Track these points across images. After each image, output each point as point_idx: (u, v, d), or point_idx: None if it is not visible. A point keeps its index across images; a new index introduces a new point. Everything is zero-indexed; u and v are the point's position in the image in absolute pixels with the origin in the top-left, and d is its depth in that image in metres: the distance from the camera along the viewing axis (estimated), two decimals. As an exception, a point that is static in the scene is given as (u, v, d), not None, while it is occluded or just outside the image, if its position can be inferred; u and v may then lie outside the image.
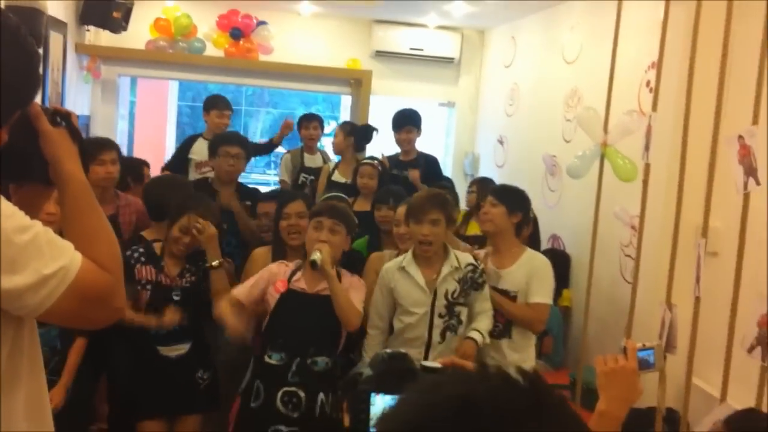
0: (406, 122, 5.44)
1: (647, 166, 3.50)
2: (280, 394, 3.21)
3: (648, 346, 2.05)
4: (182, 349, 3.49)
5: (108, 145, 4.09)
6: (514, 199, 3.74)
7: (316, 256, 3.20)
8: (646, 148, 3.43)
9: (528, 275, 3.61)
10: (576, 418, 0.81)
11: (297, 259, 3.52)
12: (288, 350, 3.24)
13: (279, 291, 3.30)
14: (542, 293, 3.61)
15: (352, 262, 3.70)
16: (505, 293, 3.62)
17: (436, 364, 1.08)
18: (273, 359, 3.26)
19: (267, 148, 6.27)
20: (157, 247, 3.58)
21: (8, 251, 1.27)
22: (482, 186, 5.41)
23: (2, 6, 4.20)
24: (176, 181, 4.26)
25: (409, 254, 3.49)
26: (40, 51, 1.42)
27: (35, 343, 1.47)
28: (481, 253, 3.75)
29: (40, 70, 1.44)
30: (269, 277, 3.36)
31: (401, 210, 3.74)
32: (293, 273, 3.36)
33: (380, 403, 1.01)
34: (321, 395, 3.21)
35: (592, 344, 4.36)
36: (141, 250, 3.54)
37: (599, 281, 4.06)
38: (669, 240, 3.39)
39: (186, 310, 3.48)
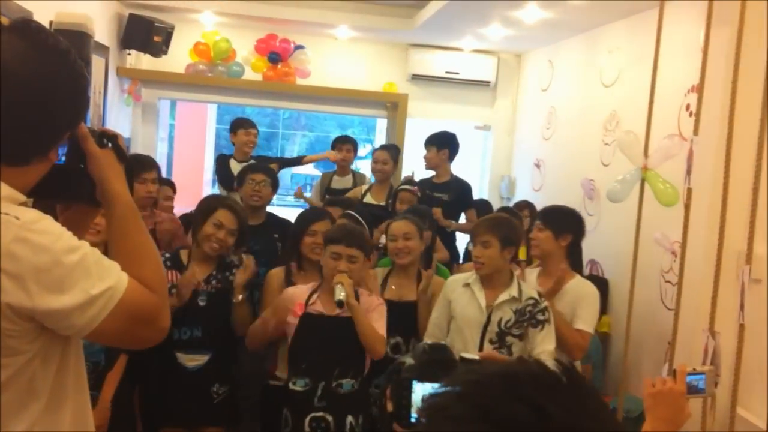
0: (427, 142, 5.57)
1: (689, 191, 3.44)
2: (307, 420, 3.18)
3: (699, 371, 2.02)
4: (201, 360, 3.46)
5: (150, 164, 4.19)
6: (562, 221, 3.69)
7: (341, 295, 3.17)
8: (688, 172, 3.38)
9: (574, 302, 3.55)
10: (605, 405, 0.87)
11: (314, 274, 3.55)
12: (312, 375, 3.23)
13: (297, 315, 3.30)
14: (587, 321, 3.55)
15: None
16: None
17: (475, 356, 1.10)
18: (298, 386, 3.24)
19: (295, 161, 6.51)
20: (183, 254, 3.61)
21: (57, 271, 1.28)
22: (533, 210, 5.40)
23: (51, 28, 4.30)
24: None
25: (476, 273, 3.47)
26: (88, 74, 1.45)
27: (80, 360, 1.49)
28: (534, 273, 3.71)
29: (89, 92, 1.46)
30: (288, 299, 3.38)
31: (395, 225, 3.76)
32: (310, 296, 3.35)
33: (421, 390, 1.06)
34: (350, 418, 3.19)
35: (631, 371, 4.28)
36: (167, 255, 3.59)
37: (639, 307, 3.99)
38: (711, 266, 3.32)
39: (209, 318, 3.48)
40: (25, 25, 1.36)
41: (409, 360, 1.09)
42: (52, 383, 1.38)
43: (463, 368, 0.98)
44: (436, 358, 1.08)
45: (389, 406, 1.07)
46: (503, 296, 3.35)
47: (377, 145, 8.18)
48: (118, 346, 2.80)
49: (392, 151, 5.81)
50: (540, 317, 3.31)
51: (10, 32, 1.34)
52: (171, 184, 4.95)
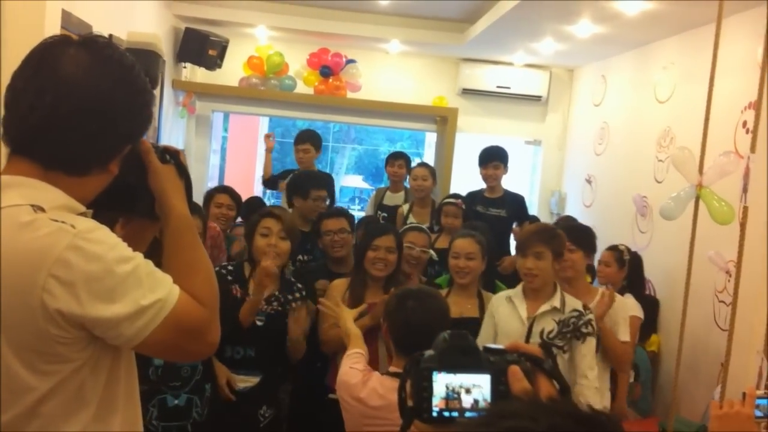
0: (493, 158, 5.41)
1: (745, 209, 3.38)
2: None
3: None
4: (251, 382, 3.41)
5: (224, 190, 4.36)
6: (588, 240, 3.74)
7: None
8: (744, 190, 3.33)
9: (613, 314, 3.56)
10: None
11: (378, 291, 3.55)
12: None
13: None
14: (626, 332, 3.59)
15: None
16: None
17: (500, 346, 1.05)
18: None
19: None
20: (246, 268, 3.53)
21: (109, 281, 1.30)
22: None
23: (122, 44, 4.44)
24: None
25: (519, 287, 3.43)
26: (155, 92, 1.47)
27: (132, 373, 1.49)
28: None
29: (153, 108, 1.49)
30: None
31: (458, 242, 3.71)
32: None
33: (442, 380, 1.00)
34: None
35: (681, 392, 4.20)
36: (230, 268, 3.53)
37: (691, 327, 3.92)
38: (766, 286, 3.25)
39: (265, 339, 3.41)
40: (93, 40, 1.41)
41: (428, 351, 1.04)
42: (101, 393, 1.39)
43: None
44: (457, 345, 1.03)
45: (409, 401, 1.02)
46: (544, 307, 3.30)
47: (426, 159, 8.18)
48: (167, 359, 2.81)
49: (431, 168, 5.77)
50: (584, 330, 3.23)
51: (78, 46, 1.38)
52: (231, 193, 4.95)
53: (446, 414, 0.98)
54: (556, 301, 3.31)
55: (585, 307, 3.34)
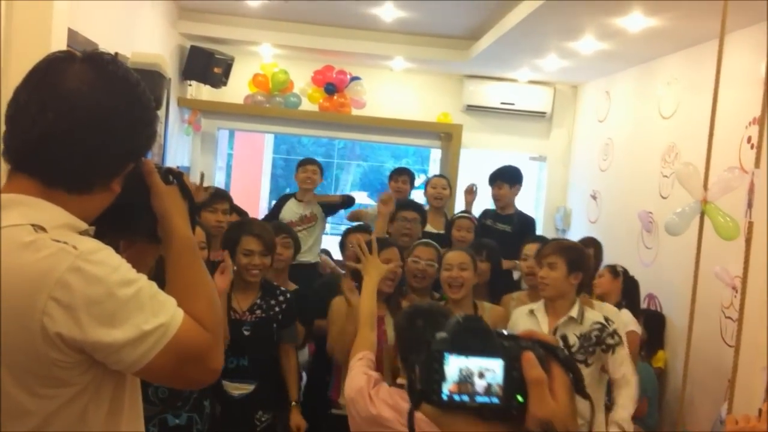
0: (497, 178, 5.50)
1: (750, 224, 3.37)
2: None
3: None
4: (246, 389, 3.45)
5: (222, 195, 4.39)
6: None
7: None
8: (749, 205, 3.32)
9: None
10: None
11: (380, 305, 3.55)
12: None
13: None
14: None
15: None
16: None
17: (513, 332, 1.03)
18: None
19: (342, 205, 6.06)
20: None
21: (110, 304, 1.26)
22: (598, 248, 5.29)
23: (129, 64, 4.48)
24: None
25: (542, 301, 3.43)
26: (159, 113, 1.46)
27: (136, 404, 1.45)
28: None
29: (156, 127, 1.46)
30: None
31: (450, 255, 3.71)
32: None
33: (455, 364, 0.97)
34: None
35: (688, 408, 4.17)
36: None
37: (697, 343, 3.90)
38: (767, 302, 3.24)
39: (255, 348, 3.46)
40: (97, 56, 1.39)
41: (440, 334, 1.01)
42: (104, 422, 1.35)
43: (499, 341, 0.93)
44: (470, 327, 1.00)
45: (418, 384, 0.99)
46: (563, 319, 3.30)
47: (431, 175, 8.18)
48: (169, 385, 2.75)
49: (448, 179, 5.84)
50: (610, 341, 3.23)
51: (83, 62, 1.36)
52: (241, 213, 4.88)
53: (456, 398, 0.96)
54: (573, 313, 3.31)
55: (606, 318, 3.33)
